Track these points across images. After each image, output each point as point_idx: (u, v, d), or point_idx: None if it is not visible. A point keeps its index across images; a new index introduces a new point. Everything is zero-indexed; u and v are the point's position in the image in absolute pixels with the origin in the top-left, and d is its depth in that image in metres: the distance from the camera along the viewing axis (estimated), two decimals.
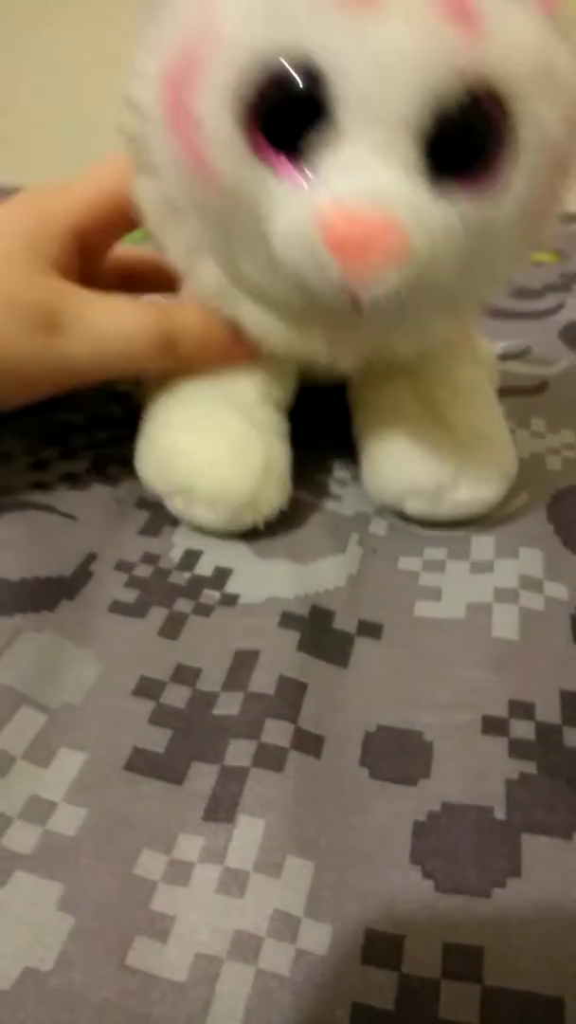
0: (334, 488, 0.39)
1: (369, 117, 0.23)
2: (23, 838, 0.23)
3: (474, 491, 0.34)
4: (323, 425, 0.40)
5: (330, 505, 0.38)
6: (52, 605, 0.30)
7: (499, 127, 0.24)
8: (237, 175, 0.25)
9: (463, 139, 0.24)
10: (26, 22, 1.06)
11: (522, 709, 0.28)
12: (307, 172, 0.24)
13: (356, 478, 0.39)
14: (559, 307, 0.59)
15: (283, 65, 0.23)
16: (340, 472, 0.40)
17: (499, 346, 0.52)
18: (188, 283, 0.33)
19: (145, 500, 0.37)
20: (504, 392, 0.46)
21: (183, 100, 0.25)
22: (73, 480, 0.38)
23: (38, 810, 0.24)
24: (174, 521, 0.36)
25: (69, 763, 0.25)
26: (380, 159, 0.24)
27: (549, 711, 0.28)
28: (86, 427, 0.42)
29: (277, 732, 0.26)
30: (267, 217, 0.25)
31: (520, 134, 0.25)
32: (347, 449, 0.39)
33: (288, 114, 0.24)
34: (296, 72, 0.23)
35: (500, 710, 0.27)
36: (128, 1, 0.27)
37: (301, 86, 0.23)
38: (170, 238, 0.30)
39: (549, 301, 0.60)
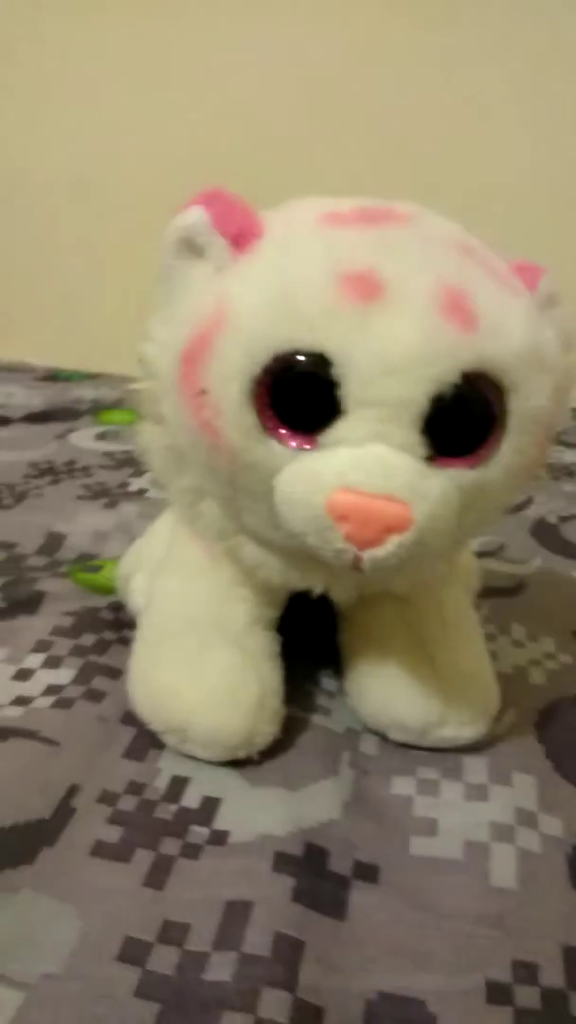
0: (322, 700, 0.39)
1: (372, 400, 0.25)
2: None
3: (458, 730, 0.35)
4: (309, 629, 0.41)
5: (320, 720, 0.37)
6: (31, 857, 0.29)
7: (492, 406, 0.27)
8: (244, 443, 0.27)
9: (459, 418, 0.26)
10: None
11: (525, 972, 0.26)
12: (313, 443, 0.26)
13: (343, 690, 0.38)
14: (528, 503, 0.62)
15: (292, 353, 0.25)
16: (328, 683, 0.40)
17: (474, 544, 0.53)
18: (185, 518, 0.34)
19: (130, 716, 0.36)
20: (484, 594, 0.48)
21: (197, 374, 0.27)
22: (57, 693, 0.37)
23: None
24: (160, 742, 0.35)
25: None
26: (382, 437, 0.25)
27: (553, 973, 0.26)
28: (72, 631, 0.42)
29: (274, 1005, 0.24)
30: (271, 479, 0.27)
31: (511, 409, 0.27)
32: (333, 654, 0.39)
33: (296, 393, 0.26)
34: (304, 359, 0.25)
35: (503, 974, 0.26)
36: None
37: (309, 372, 0.25)
38: (173, 479, 0.32)
39: (518, 497, 0.63)
